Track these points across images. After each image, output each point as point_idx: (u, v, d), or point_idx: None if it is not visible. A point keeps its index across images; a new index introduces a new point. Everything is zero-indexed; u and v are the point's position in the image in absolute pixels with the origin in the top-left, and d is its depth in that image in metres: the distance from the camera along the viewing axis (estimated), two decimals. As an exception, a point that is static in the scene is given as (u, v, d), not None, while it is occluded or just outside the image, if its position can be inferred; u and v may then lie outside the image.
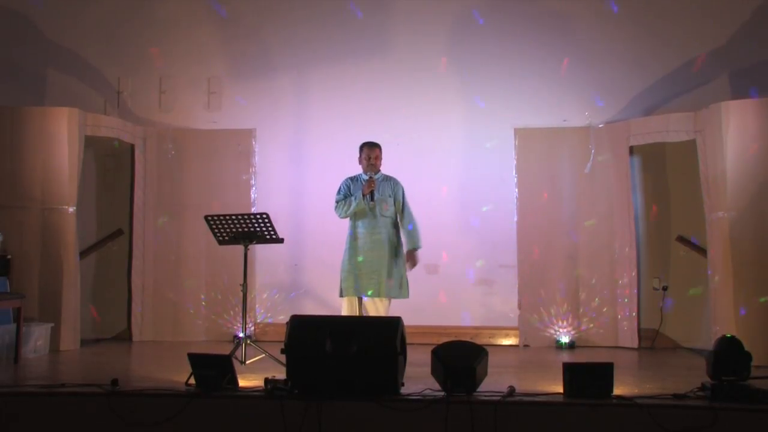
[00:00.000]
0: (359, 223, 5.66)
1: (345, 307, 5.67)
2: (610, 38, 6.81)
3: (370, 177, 5.65)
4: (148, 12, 7.20)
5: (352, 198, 5.64)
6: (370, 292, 5.57)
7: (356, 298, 5.63)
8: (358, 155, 5.83)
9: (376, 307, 5.62)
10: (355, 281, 5.58)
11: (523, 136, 6.72)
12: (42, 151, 6.21)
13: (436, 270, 6.87)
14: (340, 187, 5.79)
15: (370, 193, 5.61)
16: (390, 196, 5.72)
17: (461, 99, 6.94)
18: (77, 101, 6.71)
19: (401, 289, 5.65)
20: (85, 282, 6.51)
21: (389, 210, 5.68)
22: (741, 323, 5.48)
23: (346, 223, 5.79)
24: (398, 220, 5.76)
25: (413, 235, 5.72)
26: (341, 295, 5.68)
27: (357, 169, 5.87)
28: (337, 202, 5.73)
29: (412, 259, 5.71)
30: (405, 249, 5.70)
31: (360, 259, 5.59)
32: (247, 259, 5.46)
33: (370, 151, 5.71)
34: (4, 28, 7.18)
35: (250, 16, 7.17)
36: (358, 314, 5.61)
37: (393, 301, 5.70)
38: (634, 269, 6.42)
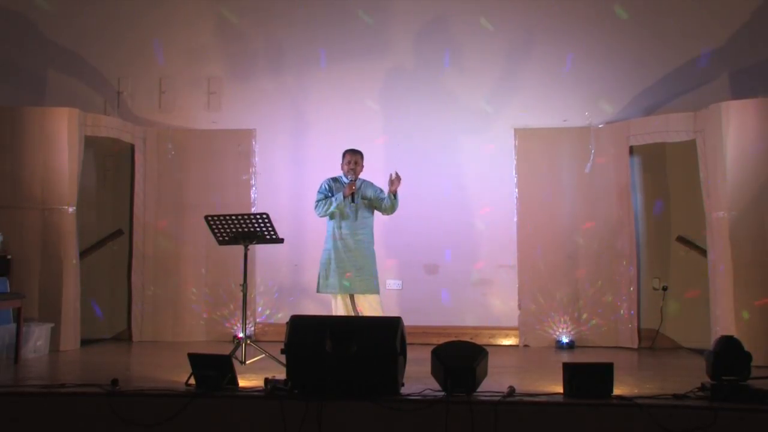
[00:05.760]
0: (343, 224, 5.79)
1: (338, 305, 5.78)
2: (611, 38, 6.81)
3: (351, 180, 5.78)
4: (148, 12, 7.20)
5: (333, 198, 5.77)
6: (357, 288, 5.70)
7: (347, 296, 5.76)
8: (341, 161, 5.90)
9: (370, 304, 5.73)
10: (341, 279, 5.70)
11: (523, 136, 6.72)
12: (42, 151, 6.21)
13: (436, 270, 6.88)
14: (321, 186, 5.92)
15: (351, 195, 5.72)
16: (370, 197, 5.85)
17: (461, 99, 6.94)
18: (77, 101, 6.72)
19: (377, 286, 5.81)
20: (85, 282, 6.51)
21: (368, 199, 5.82)
22: (741, 323, 5.48)
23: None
24: (381, 208, 5.84)
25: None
26: (321, 291, 5.82)
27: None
28: (317, 201, 5.85)
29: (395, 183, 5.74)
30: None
31: (345, 257, 5.72)
32: (247, 259, 5.47)
33: (352, 157, 5.84)
34: (4, 28, 7.18)
35: (249, 15, 7.17)
36: (353, 311, 5.76)
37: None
38: (634, 269, 6.42)
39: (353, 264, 5.71)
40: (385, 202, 5.77)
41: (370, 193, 5.86)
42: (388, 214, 5.91)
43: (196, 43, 7.20)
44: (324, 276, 5.79)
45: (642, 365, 5.68)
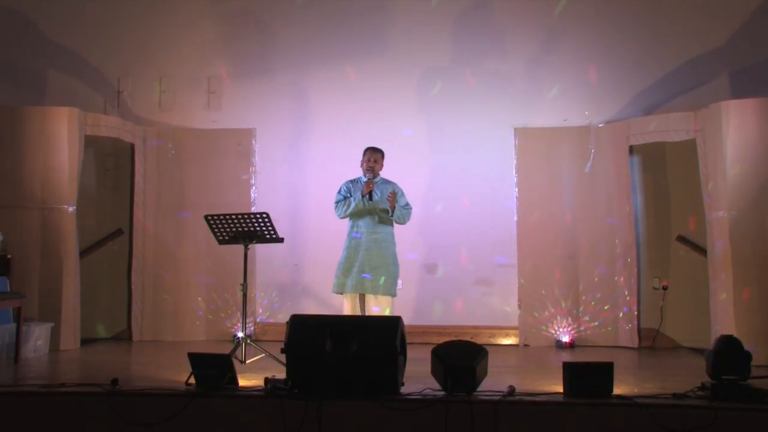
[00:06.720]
0: (360, 223, 5.78)
1: (347, 305, 5.77)
2: (610, 38, 6.81)
3: (369, 178, 5.77)
4: (148, 12, 7.19)
5: (352, 198, 5.77)
6: (369, 289, 5.68)
7: (357, 296, 5.74)
8: (360, 158, 5.91)
9: (380, 305, 5.70)
10: (354, 279, 5.69)
11: (523, 136, 6.72)
12: (42, 151, 6.21)
13: (435, 270, 6.88)
14: (340, 188, 5.93)
15: (369, 194, 5.71)
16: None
17: (461, 99, 6.93)
18: (77, 101, 6.71)
19: (394, 288, 5.78)
20: (85, 282, 6.50)
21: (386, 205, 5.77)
22: (741, 323, 5.48)
23: (346, 222, 5.88)
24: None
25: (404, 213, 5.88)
26: (335, 291, 5.81)
27: (356, 169, 5.94)
28: (336, 202, 5.87)
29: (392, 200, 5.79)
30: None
31: (361, 257, 5.69)
32: (247, 259, 5.47)
33: (372, 155, 5.86)
34: (4, 28, 7.18)
35: (249, 16, 7.17)
36: (360, 311, 5.73)
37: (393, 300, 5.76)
38: (634, 269, 6.42)
39: (368, 264, 5.69)
40: (396, 217, 5.80)
41: (401, 201, 5.85)
42: (400, 223, 5.91)
43: (196, 43, 7.19)
44: (338, 275, 5.77)
45: (642, 365, 5.68)
